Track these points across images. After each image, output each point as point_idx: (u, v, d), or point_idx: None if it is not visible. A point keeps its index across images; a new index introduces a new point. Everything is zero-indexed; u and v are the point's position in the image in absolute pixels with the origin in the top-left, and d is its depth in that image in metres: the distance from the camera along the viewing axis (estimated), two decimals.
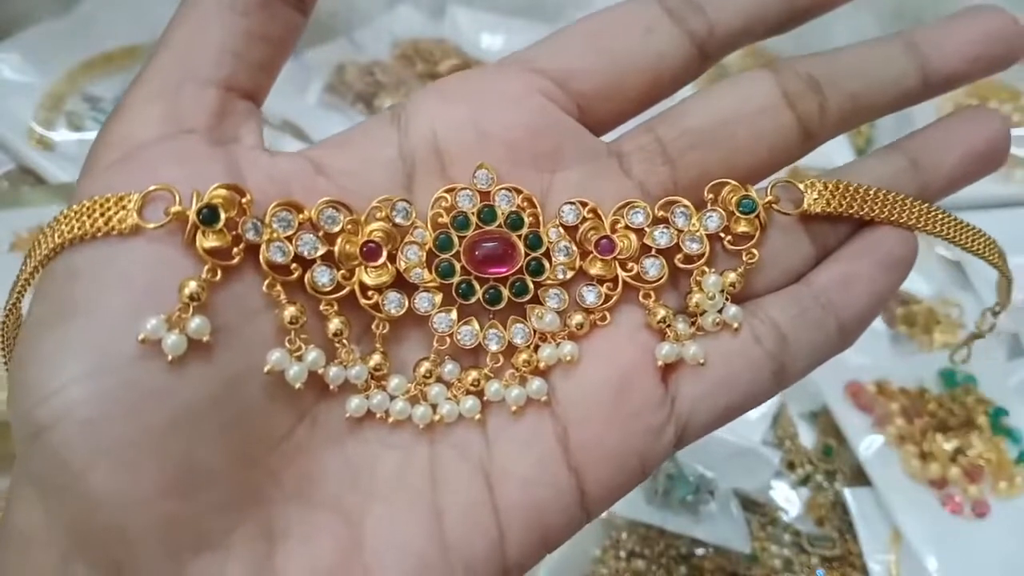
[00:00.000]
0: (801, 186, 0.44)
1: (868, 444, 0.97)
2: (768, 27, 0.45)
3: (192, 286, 0.36)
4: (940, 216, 0.45)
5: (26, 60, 1.16)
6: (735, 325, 0.43)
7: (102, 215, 0.36)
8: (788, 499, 0.95)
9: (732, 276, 0.44)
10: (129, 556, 0.36)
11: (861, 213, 0.44)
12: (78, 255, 0.37)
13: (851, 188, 0.44)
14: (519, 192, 0.43)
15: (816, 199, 0.44)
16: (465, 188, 0.42)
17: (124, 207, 0.36)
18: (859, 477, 0.96)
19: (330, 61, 1.27)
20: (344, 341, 0.41)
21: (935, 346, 1.07)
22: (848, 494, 0.94)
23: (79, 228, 0.36)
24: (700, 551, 0.90)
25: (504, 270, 0.42)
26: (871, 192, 0.44)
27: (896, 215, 0.44)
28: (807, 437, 1.00)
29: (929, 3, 0.89)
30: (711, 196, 0.44)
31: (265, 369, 0.38)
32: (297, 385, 0.39)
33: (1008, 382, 1.03)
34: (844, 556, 0.91)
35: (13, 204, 1.05)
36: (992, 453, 0.95)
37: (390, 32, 1.32)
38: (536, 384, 0.42)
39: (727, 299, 0.43)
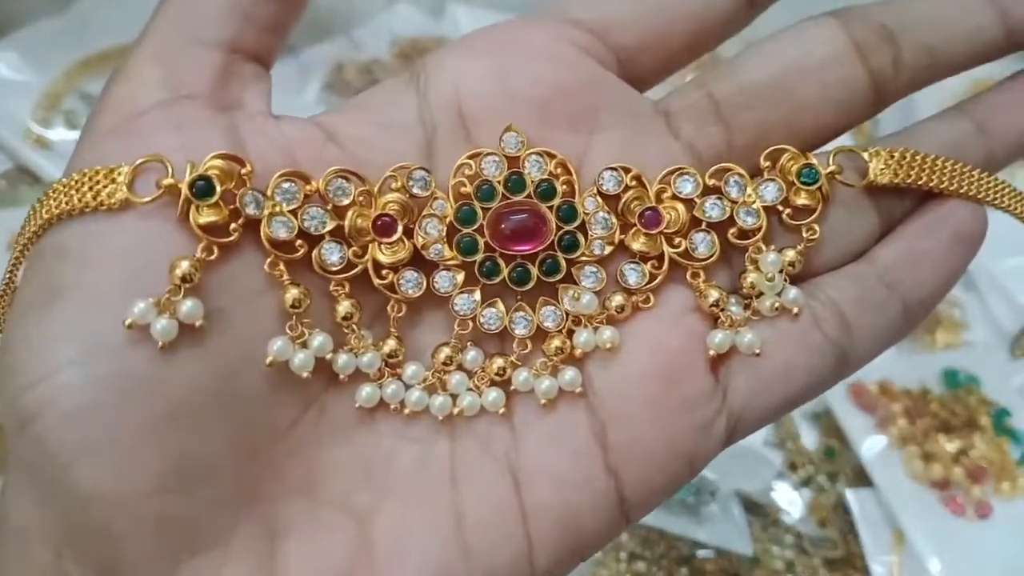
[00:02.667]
0: (865, 155, 0.39)
1: (870, 445, 0.95)
2: None
3: (184, 266, 0.33)
4: (1009, 190, 0.41)
5: (23, 59, 1.13)
6: (795, 310, 0.39)
7: (91, 189, 0.33)
8: (790, 501, 0.93)
9: (791, 254, 0.39)
10: (120, 556, 0.33)
11: (930, 185, 0.39)
12: (66, 232, 0.34)
13: (918, 157, 0.39)
14: (552, 157, 0.38)
15: (883, 169, 0.39)
16: (491, 153, 0.38)
17: (114, 180, 0.34)
18: (861, 478, 0.94)
19: (329, 60, 1.24)
20: (354, 326, 0.37)
21: (937, 346, 1.05)
22: (850, 495, 0.93)
23: (67, 203, 0.34)
24: (701, 553, 0.88)
25: (532, 246, 0.38)
26: (938, 162, 0.39)
27: (966, 187, 0.40)
28: (809, 438, 0.98)
29: None
30: (768, 164, 0.39)
31: (267, 361, 0.35)
32: (304, 374, 0.36)
33: (1011, 383, 1.01)
34: (846, 558, 0.90)
35: (11, 203, 1.03)
36: (995, 454, 0.94)
37: (389, 30, 1.29)
38: (569, 374, 0.38)
39: (786, 280, 0.39)
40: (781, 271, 0.38)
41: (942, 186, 0.39)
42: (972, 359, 1.02)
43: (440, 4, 1.32)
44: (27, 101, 1.10)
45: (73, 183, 0.34)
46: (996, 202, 0.40)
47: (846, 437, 0.96)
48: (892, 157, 0.39)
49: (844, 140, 0.41)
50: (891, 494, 0.91)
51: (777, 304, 0.38)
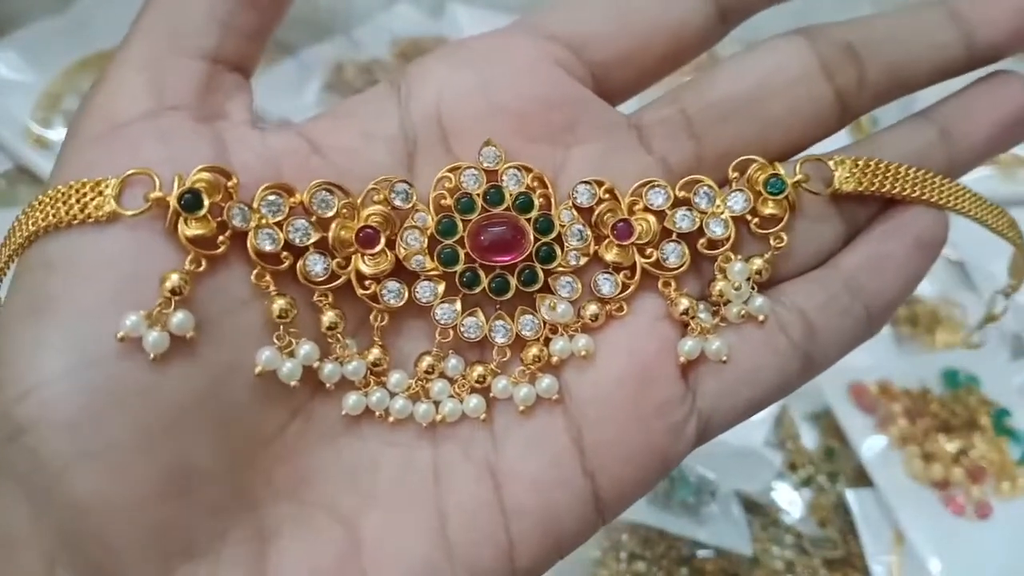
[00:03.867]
0: (831, 163, 0.40)
1: (870, 445, 0.95)
2: None
3: (174, 279, 0.33)
4: (968, 195, 0.42)
5: (23, 59, 1.13)
6: (761, 317, 0.40)
7: (78, 201, 0.34)
8: (790, 501, 0.93)
9: (758, 263, 0.40)
10: (115, 564, 0.33)
11: (893, 192, 0.40)
12: (53, 244, 0.34)
13: (881, 166, 0.40)
14: (529, 171, 0.39)
15: (847, 178, 0.40)
16: (470, 167, 0.39)
17: (101, 192, 0.34)
18: (861, 478, 0.94)
19: (329, 60, 1.23)
20: (339, 336, 0.37)
21: (937, 346, 1.05)
22: (850, 495, 0.92)
23: (54, 215, 0.34)
24: (701, 553, 0.88)
25: (511, 258, 0.38)
26: (901, 170, 0.40)
27: (928, 194, 0.41)
28: (809, 438, 0.98)
29: None
30: (736, 175, 0.40)
31: (256, 371, 0.35)
32: (292, 383, 0.36)
33: (1011, 383, 1.00)
34: (846, 558, 0.89)
35: (11, 203, 1.03)
36: (995, 454, 0.94)
37: (389, 30, 1.29)
38: (546, 382, 0.38)
39: (753, 288, 0.40)
40: (748, 279, 0.39)
41: (905, 193, 0.40)
42: (972, 359, 1.01)
43: (440, 4, 1.31)
44: (27, 101, 1.10)
45: (60, 195, 0.34)
46: (958, 207, 0.41)
47: (846, 437, 0.96)
48: (856, 165, 0.40)
49: (842, 136, 0.42)
50: (891, 494, 0.91)
51: (744, 312, 0.39)
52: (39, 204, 0.34)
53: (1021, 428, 0.96)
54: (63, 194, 0.34)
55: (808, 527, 0.91)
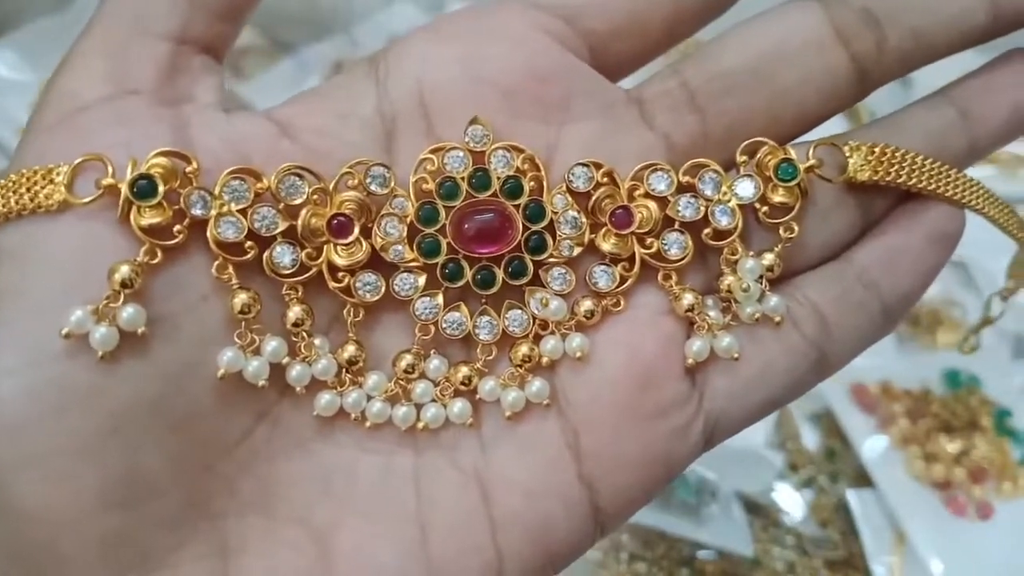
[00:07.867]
0: (846, 149, 0.37)
1: (871, 445, 0.93)
2: None
3: (124, 271, 0.31)
4: (981, 192, 0.39)
5: (22, 58, 1.11)
6: (777, 319, 0.37)
7: (28, 190, 0.32)
8: (791, 501, 0.92)
9: (770, 258, 0.36)
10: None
11: (908, 184, 0.37)
12: (4, 236, 0.32)
13: (898, 155, 0.37)
14: (519, 151, 0.36)
15: (862, 166, 0.37)
16: (455, 148, 0.35)
17: (52, 181, 0.32)
18: (862, 479, 0.93)
19: (328, 58, 1.22)
20: (304, 333, 0.34)
21: (939, 347, 1.03)
22: (851, 496, 0.91)
23: (3, 205, 0.32)
24: (702, 554, 0.87)
25: (496, 248, 0.35)
26: (918, 160, 0.38)
27: (943, 188, 0.38)
28: (810, 439, 0.96)
29: None
30: (744, 158, 0.37)
31: (219, 374, 0.33)
32: (260, 383, 0.33)
33: (1012, 383, 0.99)
34: (847, 559, 0.88)
35: None
36: (996, 455, 0.93)
37: (388, 29, 1.27)
38: (536, 385, 0.35)
39: (765, 287, 0.36)
40: (760, 277, 0.36)
41: (920, 186, 0.38)
42: (973, 359, 0.99)
43: (439, 2, 1.30)
44: (25, 100, 1.08)
45: (11, 184, 0.32)
46: (971, 203, 0.39)
47: (847, 438, 0.95)
48: (872, 153, 0.37)
49: (838, 121, 0.40)
50: (892, 495, 0.90)
51: (758, 314, 0.36)
52: None
53: (1022, 428, 0.95)
54: (14, 183, 0.32)
55: (809, 528, 0.90)
